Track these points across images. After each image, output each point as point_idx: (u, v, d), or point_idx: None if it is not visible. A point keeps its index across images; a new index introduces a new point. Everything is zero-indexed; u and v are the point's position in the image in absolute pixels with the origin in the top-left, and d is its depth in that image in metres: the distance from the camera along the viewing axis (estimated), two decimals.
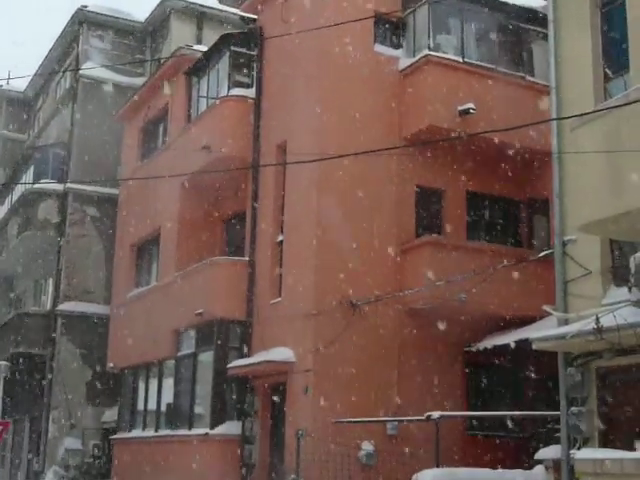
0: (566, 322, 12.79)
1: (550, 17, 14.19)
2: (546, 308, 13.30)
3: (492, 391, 18.20)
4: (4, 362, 27.21)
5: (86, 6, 30.08)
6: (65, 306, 27.80)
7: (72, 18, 30.44)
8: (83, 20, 30.14)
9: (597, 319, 10.91)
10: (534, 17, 19.26)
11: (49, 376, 27.73)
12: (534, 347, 12.88)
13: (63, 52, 32.30)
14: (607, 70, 13.05)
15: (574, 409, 12.63)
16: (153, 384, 23.16)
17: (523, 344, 14.66)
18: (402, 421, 16.52)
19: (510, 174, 19.16)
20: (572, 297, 13.03)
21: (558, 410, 13.20)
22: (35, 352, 28.50)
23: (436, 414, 14.50)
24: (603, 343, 11.36)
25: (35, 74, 34.11)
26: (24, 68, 42.44)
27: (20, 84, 36.51)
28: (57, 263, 28.58)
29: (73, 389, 27.21)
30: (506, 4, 19.21)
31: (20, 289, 34.14)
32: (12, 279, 34.84)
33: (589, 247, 12.71)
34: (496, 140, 17.40)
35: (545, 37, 16.15)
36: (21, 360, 29.29)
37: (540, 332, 13.18)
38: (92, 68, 27.69)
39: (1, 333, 30.90)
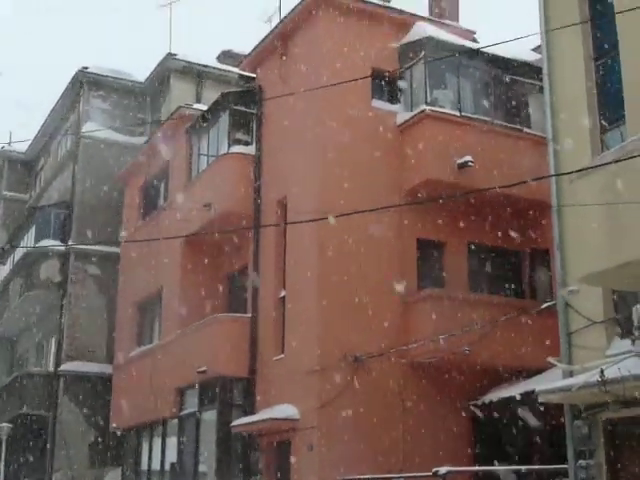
0: (571, 374, 12.71)
1: (545, 70, 14.33)
2: (551, 360, 13.23)
3: (499, 444, 18.00)
4: (6, 424, 26.97)
5: (87, 67, 30.44)
6: (67, 366, 27.67)
7: (73, 79, 30.79)
8: (84, 81, 30.47)
9: (601, 372, 10.84)
10: (529, 70, 19.48)
11: (52, 437, 27.49)
12: (540, 400, 12.78)
13: (64, 112, 32.60)
14: (603, 122, 13.14)
15: (582, 462, 12.48)
16: (157, 444, 22.97)
17: (529, 396, 14.55)
18: (409, 477, 16.32)
19: (510, 225, 19.22)
20: (576, 348, 12.96)
21: (566, 463, 13.05)
22: (37, 413, 28.29)
23: (443, 469, 14.32)
24: (608, 395, 11.27)
25: (36, 136, 34.40)
26: (26, 128, 42.80)
27: (22, 145, 36.83)
28: (59, 323, 28.52)
29: (76, 450, 26.95)
30: (501, 58, 19.44)
31: (22, 349, 34.02)
32: (14, 339, 34.72)
33: (591, 298, 12.67)
34: (495, 192, 17.45)
35: (541, 89, 16.32)
36: (23, 421, 29.05)
37: (545, 384, 13.08)
38: (94, 132, 27.89)
39: (3, 394, 30.72)
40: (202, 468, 20.19)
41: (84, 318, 28.12)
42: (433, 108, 18.57)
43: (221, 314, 20.89)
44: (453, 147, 18.20)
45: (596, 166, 10.92)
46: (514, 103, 19.74)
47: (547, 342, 15.76)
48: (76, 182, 29.43)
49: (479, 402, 17.63)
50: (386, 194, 17.90)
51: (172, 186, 24.34)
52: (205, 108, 22.98)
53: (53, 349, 29.51)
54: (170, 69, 28.62)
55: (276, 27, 20.28)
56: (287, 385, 17.93)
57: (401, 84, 19.32)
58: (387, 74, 19.22)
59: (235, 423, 18.88)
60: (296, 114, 19.13)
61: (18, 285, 31.11)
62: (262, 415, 18.26)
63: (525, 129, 19.37)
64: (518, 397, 16.07)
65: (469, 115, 18.94)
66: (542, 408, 14.70)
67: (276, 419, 17.73)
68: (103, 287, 28.55)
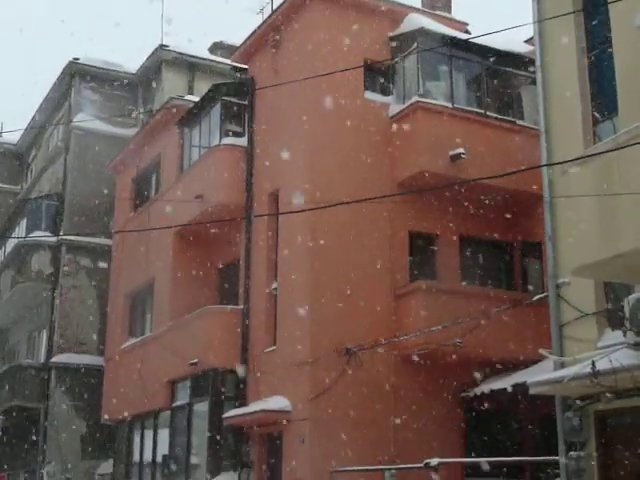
0: (562, 365, 12.72)
1: (538, 62, 14.30)
2: (542, 352, 13.23)
3: (490, 436, 18.04)
4: None
5: (78, 58, 30.31)
6: (59, 358, 27.62)
7: (64, 70, 30.66)
8: (75, 72, 30.35)
9: (593, 364, 10.83)
10: (522, 62, 19.45)
11: (43, 429, 27.45)
12: (531, 392, 12.77)
13: (56, 104, 32.48)
14: (596, 113, 13.12)
15: (573, 453, 12.49)
16: (148, 436, 22.95)
17: (521, 388, 14.57)
18: (400, 469, 16.33)
19: (502, 217, 19.21)
20: (568, 340, 12.96)
21: (557, 454, 13.07)
22: (29, 405, 28.24)
23: (434, 461, 14.35)
24: (600, 387, 11.27)
25: (27, 127, 34.26)
26: (18, 118, 42.68)
27: (13, 136, 36.73)
28: (51, 315, 28.46)
29: (68, 442, 26.93)
30: (494, 50, 19.39)
31: (13, 341, 33.95)
32: (5, 331, 34.65)
33: (583, 289, 12.66)
34: (488, 184, 17.44)
35: (533, 81, 16.29)
36: (15, 413, 29.01)
37: (537, 376, 13.08)
38: (84, 121, 27.80)
39: None
40: (194, 460, 20.20)
41: (75, 310, 28.08)
42: (425, 100, 18.53)
43: (213, 306, 20.87)
44: (445, 139, 18.17)
45: (588, 156, 10.91)
46: (507, 95, 19.72)
47: (539, 334, 15.76)
48: (67, 174, 29.34)
49: (471, 394, 17.64)
50: (378, 186, 17.87)
51: (164, 177, 24.28)
52: (197, 99, 22.90)
53: (44, 341, 29.46)
54: (162, 60, 28.50)
55: (268, 18, 20.22)
56: (279, 377, 17.91)
57: (393, 76, 19.28)
58: (379, 65, 19.18)
59: (227, 415, 18.87)
60: (288, 105, 19.08)
61: (9, 277, 31.03)
62: (254, 407, 18.25)
63: (517, 121, 19.35)
64: (510, 389, 16.09)
65: (461, 107, 18.90)
66: (534, 399, 14.69)
67: (268, 411, 17.71)
68: (94, 279, 28.50)
